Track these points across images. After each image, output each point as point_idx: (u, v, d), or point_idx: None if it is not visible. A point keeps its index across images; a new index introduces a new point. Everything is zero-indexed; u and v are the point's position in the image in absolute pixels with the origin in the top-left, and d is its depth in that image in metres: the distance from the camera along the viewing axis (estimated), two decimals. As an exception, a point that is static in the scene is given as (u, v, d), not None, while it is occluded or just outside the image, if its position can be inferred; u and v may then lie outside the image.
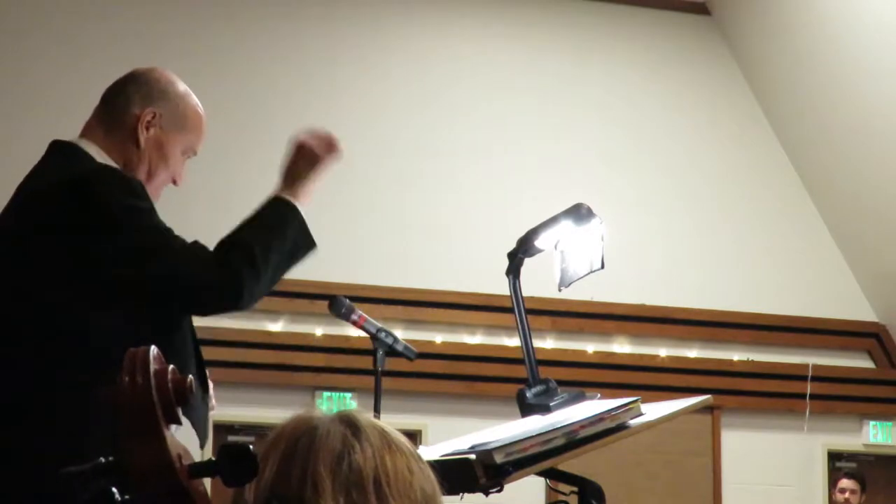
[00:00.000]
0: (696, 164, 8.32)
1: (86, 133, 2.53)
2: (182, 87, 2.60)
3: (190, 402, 1.18)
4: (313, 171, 2.52)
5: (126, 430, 1.13)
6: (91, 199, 2.32)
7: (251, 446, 1.15)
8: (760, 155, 8.43)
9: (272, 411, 6.77)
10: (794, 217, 8.39)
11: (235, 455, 1.15)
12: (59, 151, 2.50)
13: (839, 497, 7.52)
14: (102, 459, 1.12)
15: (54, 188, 2.36)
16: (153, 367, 1.15)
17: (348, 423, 1.31)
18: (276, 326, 7.37)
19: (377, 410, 3.69)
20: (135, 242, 2.33)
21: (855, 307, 8.34)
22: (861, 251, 8.29)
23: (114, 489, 1.12)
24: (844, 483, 7.53)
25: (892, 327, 8.35)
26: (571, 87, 8.21)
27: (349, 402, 7.27)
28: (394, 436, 1.33)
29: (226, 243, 2.40)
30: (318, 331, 7.38)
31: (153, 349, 1.16)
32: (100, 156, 2.47)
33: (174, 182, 2.59)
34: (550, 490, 2.43)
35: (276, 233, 2.44)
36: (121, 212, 2.33)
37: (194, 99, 2.62)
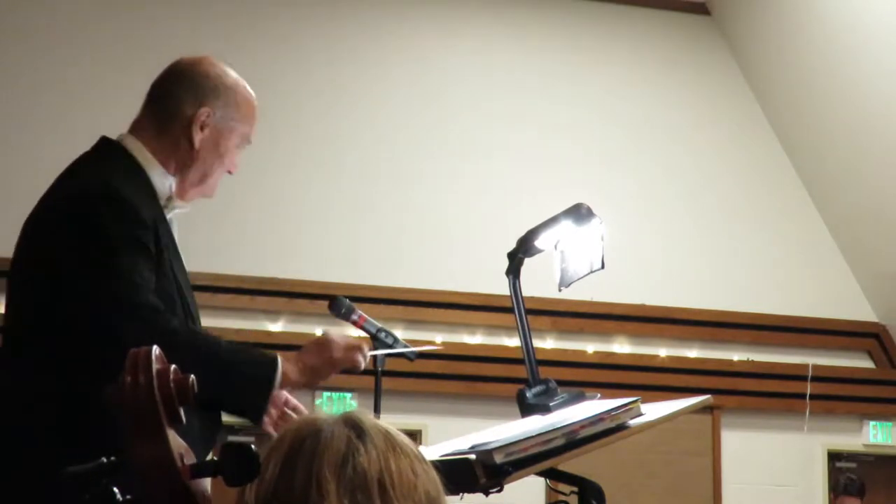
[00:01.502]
0: (696, 164, 8.32)
1: (135, 131, 2.48)
2: (231, 77, 2.54)
3: (190, 405, 1.18)
4: (322, 374, 2.45)
5: (128, 430, 1.13)
6: (92, 224, 2.29)
7: (253, 446, 1.15)
8: (760, 155, 8.43)
9: (272, 411, 6.77)
10: (794, 217, 8.39)
11: (238, 455, 1.15)
12: (103, 150, 2.46)
13: None
14: (104, 459, 1.13)
15: (75, 198, 2.34)
16: (155, 366, 1.15)
17: (352, 425, 1.31)
18: (276, 326, 7.37)
19: (377, 410, 3.70)
20: (107, 279, 2.26)
21: (855, 307, 8.34)
22: (861, 251, 8.29)
23: (115, 489, 1.12)
24: (846, 501, 7.51)
25: (892, 327, 8.35)
26: (571, 87, 8.21)
27: (349, 403, 7.27)
28: (398, 438, 1.33)
29: (192, 340, 2.28)
30: (318, 331, 7.37)
31: (155, 349, 1.16)
32: (143, 156, 2.44)
33: (230, 172, 2.55)
34: (550, 490, 2.42)
35: (234, 376, 2.30)
36: (117, 242, 2.28)
37: (244, 87, 2.56)
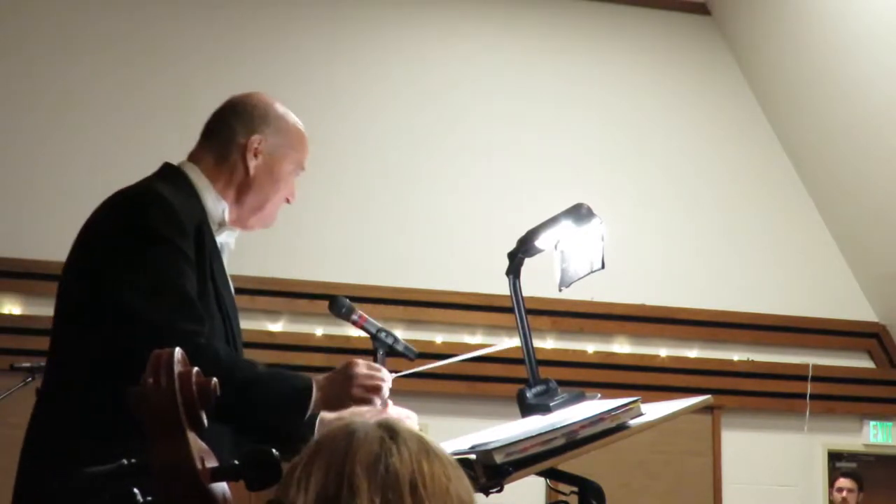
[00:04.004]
0: (696, 164, 8.33)
1: (194, 159, 2.57)
2: (279, 107, 2.65)
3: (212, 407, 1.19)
4: (340, 406, 2.41)
5: (149, 432, 1.14)
6: (138, 222, 2.34)
7: (274, 451, 1.16)
8: (760, 155, 8.44)
9: (273, 411, 6.77)
10: (794, 217, 8.40)
11: (259, 459, 1.15)
12: (161, 172, 2.54)
13: (837, 496, 7.56)
14: (125, 461, 1.13)
15: (118, 201, 2.40)
16: (177, 369, 1.16)
17: (386, 428, 1.32)
18: (277, 326, 7.38)
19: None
20: (152, 281, 2.30)
21: (855, 307, 8.35)
22: (861, 251, 8.30)
23: (136, 490, 1.13)
24: (842, 482, 7.57)
25: (892, 327, 8.35)
26: (572, 88, 8.21)
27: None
28: (432, 444, 1.34)
29: (229, 366, 2.31)
30: (318, 331, 7.39)
31: (178, 351, 1.17)
32: (200, 181, 2.51)
33: (287, 200, 2.63)
34: (550, 490, 2.43)
35: (271, 407, 2.31)
36: (158, 245, 2.32)
37: (293, 116, 2.67)
